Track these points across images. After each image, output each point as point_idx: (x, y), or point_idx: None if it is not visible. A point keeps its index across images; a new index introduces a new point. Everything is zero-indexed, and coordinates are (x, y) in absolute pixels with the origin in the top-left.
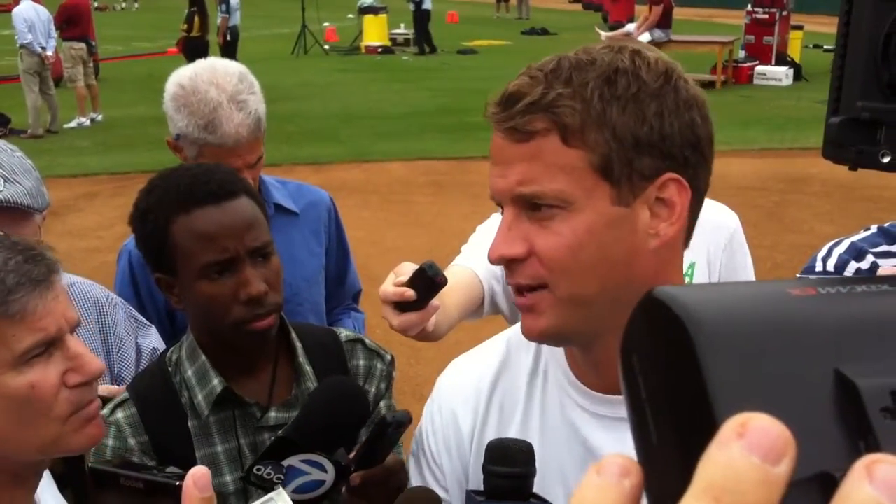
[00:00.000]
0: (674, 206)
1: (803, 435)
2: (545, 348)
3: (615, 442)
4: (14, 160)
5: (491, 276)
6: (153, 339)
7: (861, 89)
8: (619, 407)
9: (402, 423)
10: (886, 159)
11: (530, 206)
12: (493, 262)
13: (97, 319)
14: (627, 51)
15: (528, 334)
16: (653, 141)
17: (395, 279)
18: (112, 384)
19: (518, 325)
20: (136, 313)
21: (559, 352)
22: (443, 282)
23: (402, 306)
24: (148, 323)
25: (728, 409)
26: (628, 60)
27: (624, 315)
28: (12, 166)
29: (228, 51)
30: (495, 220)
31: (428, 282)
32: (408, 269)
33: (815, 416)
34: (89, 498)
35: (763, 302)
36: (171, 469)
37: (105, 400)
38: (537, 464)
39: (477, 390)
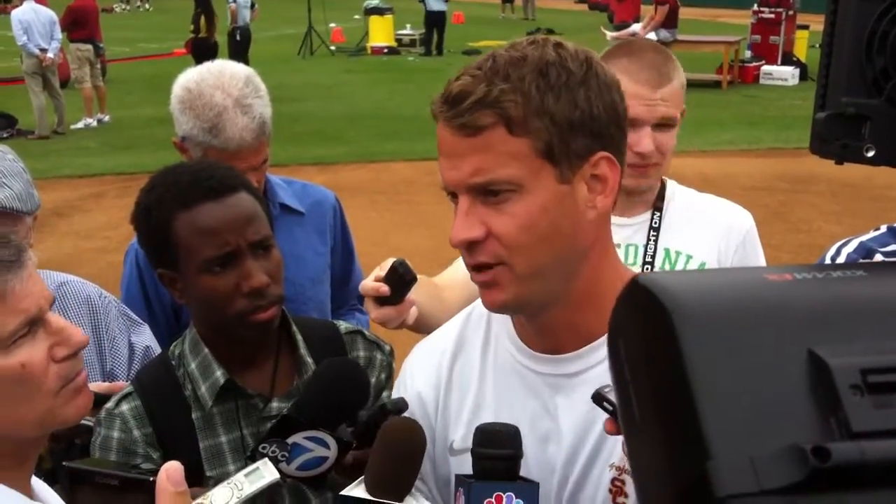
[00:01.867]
0: (606, 180)
1: (777, 411)
2: (494, 323)
3: (562, 397)
4: (4, 164)
5: None
6: (146, 338)
7: (846, 85)
8: (561, 365)
9: (401, 409)
10: (871, 153)
11: (485, 193)
12: (455, 245)
13: (89, 318)
14: (550, 44)
15: (490, 306)
16: (584, 123)
17: (376, 274)
18: (104, 381)
19: (473, 304)
20: (129, 311)
21: (507, 323)
22: (412, 280)
23: (380, 300)
24: (141, 321)
25: (705, 389)
26: (554, 53)
27: (569, 283)
28: (2, 170)
29: (239, 51)
30: None
31: (399, 279)
32: (389, 263)
33: (789, 393)
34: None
35: (741, 287)
36: (147, 465)
37: (101, 398)
38: (494, 421)
39: (438, 366)
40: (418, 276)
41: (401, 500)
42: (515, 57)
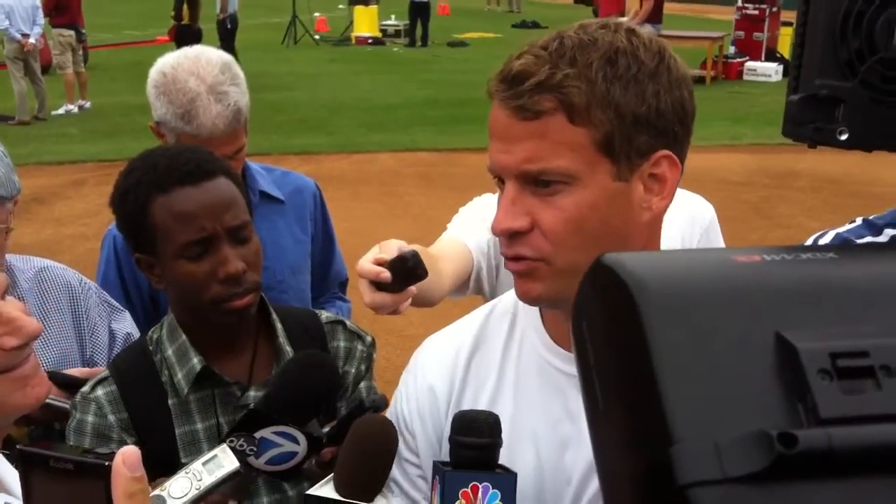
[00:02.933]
0: (665, 181)
1: (743, 396)
2: (521, 318)
3: None
4: None
5: (479, 253)
6: (127, 324)
7: (819, 67)
8: None
9: (379, 407)
10: (843, 137)
11: (534, 182)
12: (497, 234)
13: (69, 304)
14: (623, 30)
15: (524, 297)
16: (650, 119)
17: (377, 255)
18: (84, 367)
19: (497, 299)
20: (109, 298)
21: (536, 319)
22: (423, 274)
23: (377, 285)
24: (122, 308)
25: (669, 372)
26: (626, 40)
27: None
28: None
29: (227, 38)
30: (480, 202)
31: (407, 272)
32: (392, 246)
33: (756, 378)
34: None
35: (708, 268)
36: (103, 449)
37: (80, 382)
38: (510, 426)
39: (454, 363)
40: (416, 245)
41: (370, 501)
42: (584, 40)
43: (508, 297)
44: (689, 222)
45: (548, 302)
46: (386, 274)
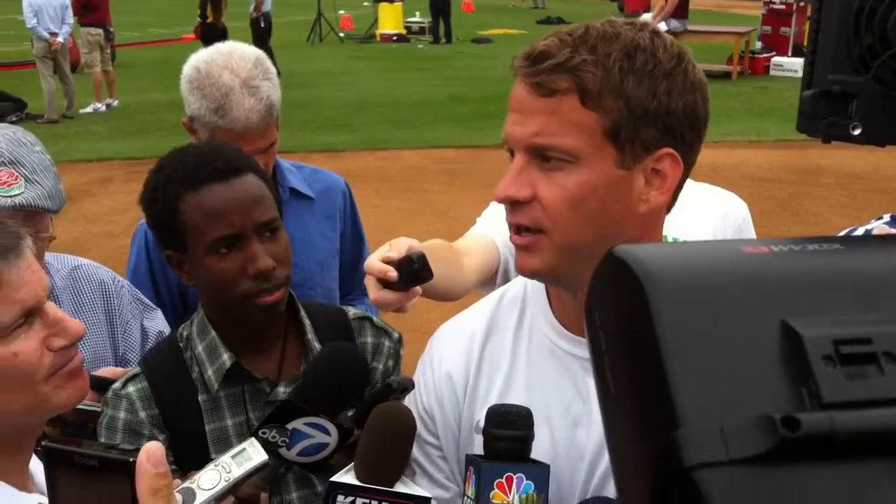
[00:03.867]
0: (666, 177)
1: (748, 382)
2: (530, 304)
3: None
4: (35, 157)
5: (506, 248)
6: (159, 322)
7: (832, 63)
8: None
9: (407, 388)
10: (857, 132)
11: (541, 156)
12: (499, 200)
13: (103, 302)
14: (648, 30)
15: (522, 270)
16: (659, 115)
17: (385, 254)
18: (117, 367)
19: (506, 287)
20: (141, 296)
21: (544, 304)
22: (427, 277)
23: (383, 282)
24: (154, 306)
25: (677, 358)
26: (648, 39)
27: None
28: (33, 165)
29: (262, 37)
30: None
31: (412, 272)
32: (403, 243)
33: (762, 364)
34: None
35: (717, 259)
36: (127, 445)
37: (111, 382)
38: (523, 405)
39: (469, 347)
40: (439, 240)
41: (391, 486)
42: (609, 32)
43: (517, 285)
44: (721, 220)
45: (546, 276)
46: (393, 273)
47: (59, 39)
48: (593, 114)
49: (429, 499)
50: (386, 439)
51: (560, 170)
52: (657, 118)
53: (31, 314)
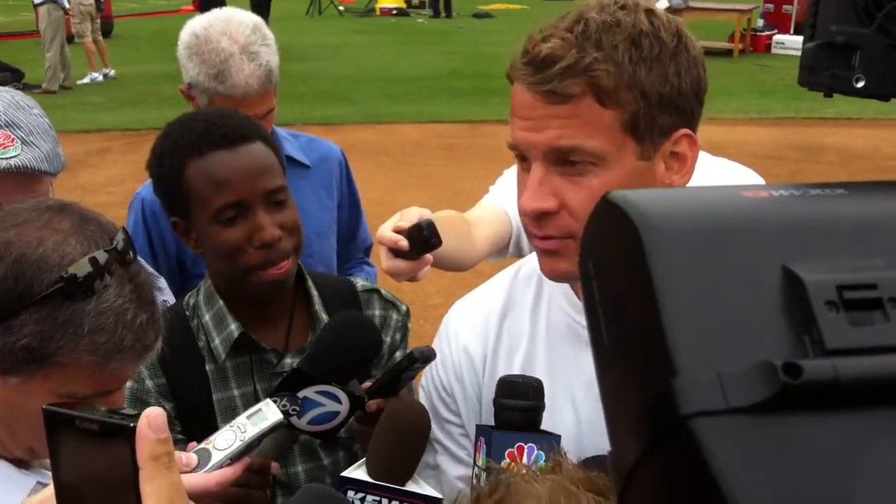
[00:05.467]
0: (685, 159)
1: (748, 328)
2: (547, 282)
3: None
4: (32, 119)
5: (518, 218)
6: (164, 291)
7: (836, 13)
8: None
9: (429, 358)
10: (860, 84)
11: (562, 162)
12: (526, 214)
13: None
14: (642, 10)
15: (551, 275)
16: (672, 98)
17: (397, 223)
18: None
19: (519, 263)
20: (145, 264)
21: (563, 284)
22: (437, 244)
23: (395, 252)
24: (157, 274)
25: (673, 304)
26: (647, 22)
27: None
28: (31, 127)
29: (260, 9)
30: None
31: (422, 240)
32: (414, 213)
33: (762, 310)
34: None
35: (715, 203)
36: (128, 410)
37: None
38: (548, 388)
39: (486, 324)
40: (450, 211)
41: (402, 484)
42: (608, 22)
43: (532, 261)
44: None
45: (574, 279)
46: (404, 242)
47: (68, 6)
48: (611, 111)
49: (440, 499)
50: (401, 437)
51: (586, 173)
52: (671, 102)
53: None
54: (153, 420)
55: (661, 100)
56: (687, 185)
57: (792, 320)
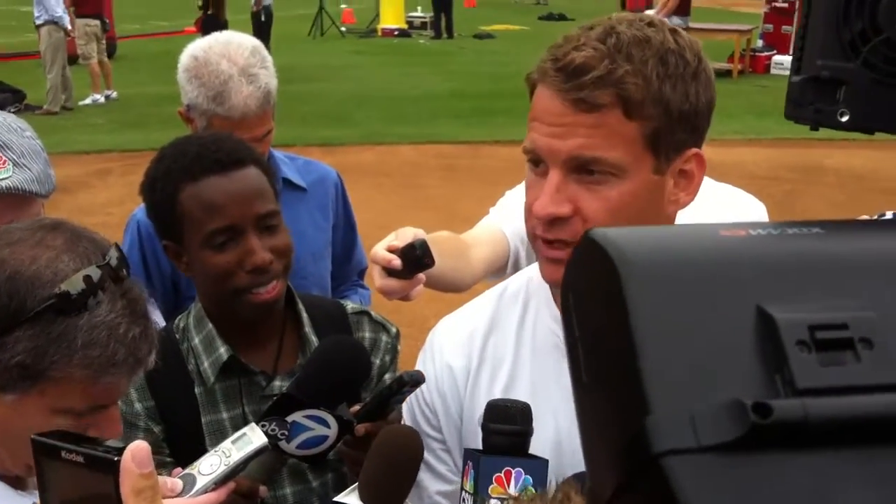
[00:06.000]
0: (693, 178)
1: (721, 367)
2: (532, 302)
3: None
4: (24, 141)
5: (517, 239)
6: (155, 316)
7: (821, 48)
8: None
9: (418, 381)
10: (845, 118)
11: (582, 170)
12: (539, 218)
13: None
14: (667, 28)
15: (553, 282)
16: (689, 117)
17: (391, 243)
18: None
19: (506, 282)
20: (139, 281)
21: (548, 298)
22: (429, 263)
23: (388, 271)
24: (150, 298)
25: (648, 342)
26: (673, 40)
27: None
28: (22, 149)
29: (262, 31)
30: (523, 188)
31: (415, 259)
32: (408, 233)
33: (736, 349)
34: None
35: (692, 241)
36: (113, 443)
37: None
38: (530, 403)
39: (470, 342)
40: (447, 232)
41: None
42: (638, 37)
43: (519, 279)
44: (739, 220)
45: None
46: (397, 261)
47: (69, 27)
48: (636, 124)
49: None
50: (393, 465)
51: (603, 183)
52: (688, 120)
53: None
54: (137, 454)
55: (681, 117)
56: (689, 205)
57: (764, 359)
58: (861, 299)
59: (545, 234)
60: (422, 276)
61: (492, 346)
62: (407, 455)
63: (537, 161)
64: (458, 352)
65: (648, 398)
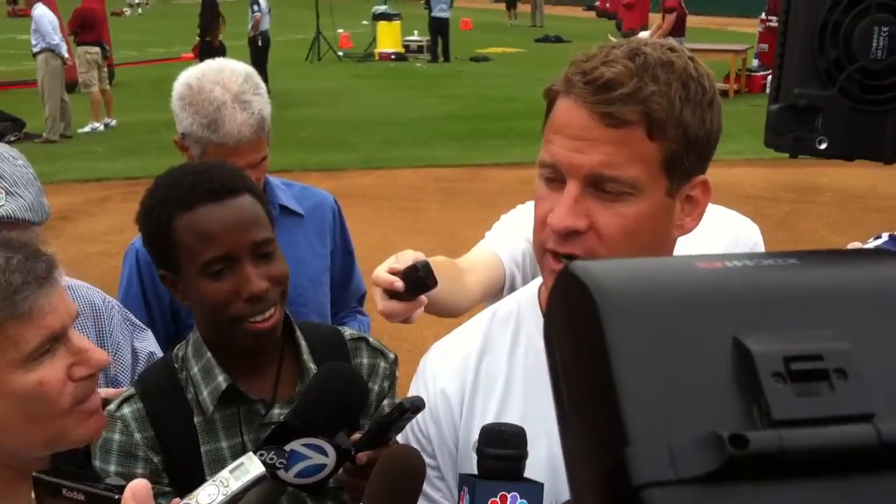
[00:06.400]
0: (698, 204)
1: (698, 399)
2: (524, 324)
3: None
4: (16, 171)
5: (512, 263)
6: (149, 343)
7: (798, 76)
8: None
9: (419, 408)
10: (823, 146)
11: (599, 186)
12: (556, 230)
13: (93, 322)
14: (686, 55)
15: None
16: (702, 143)
17: (392, 265)
18: (108, 387)
19: (496, 306)
20: (132, 316)
21: (540, 320)
22: (432, 284)
23: (390, 293)
24: (144, 326)
25: (627, 375)
26: (693, 67)
27: None
28: (14, 178)
29: (259, 57)
30: (519, 213)
31: (417, 281)
32: (409, 256)
33: (712, 381)
34: None
35: (670, 274)
36: (114, 480)
37: (104, 402)
38: (523, 425)
39: (463, 366)
40: (442, 257)
41: None
42: (663, 59)
43: (509, 302)
44: (732, 243)
45: None
46: (399, 283)
47: (67, 56)
48: (656, 145)
49: None
50: (397, 483)
51: (620, 200)
52: (700, 146)
53: (56, 340)
54: (137, 492)
55: (696, 143)
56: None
57: (741, 391)
58: (836, 329)
59: (557, 247)
60: (424, 298)
61: (484, 370)
62: (410, 473)
63: (553, 174)
64: (451, 378)
65: (627, 429)
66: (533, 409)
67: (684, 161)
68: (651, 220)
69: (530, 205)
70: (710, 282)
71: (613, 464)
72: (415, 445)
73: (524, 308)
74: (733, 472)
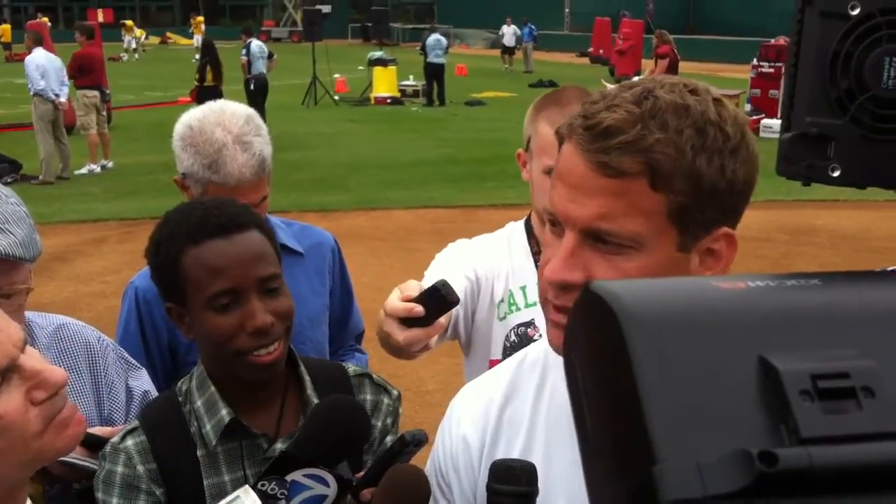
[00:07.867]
0: (721, 258)
1: (726, 417)
2: (551, 369)
3: None
4: (8, 208)
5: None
6: (144, 382)
7: (810, 105)
8: None
9: (421, 441)
10: (836, 173)
11: (598, 238)
12: (551, 283)
13: (87, 361)
14: (711, 98)
15: (558, 348)
16: (723, 194)
17: (402, 294)
18: (102, 426)
19: (526, 350)
20: (126, 355)
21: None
22: (455, 301)
23: (407, 321)
24: (139, 365)
25: (653, 394)
26: (715, 111)
27: None
28: (6, 215)
29: (256, 100)
30: (453, 250)
31: (440, 301)
32: (413, 286)
33: (739, 399)
34: None
35: (693, 295)
36: None
37: (101, 441)
38: (543, 479)
39: (486, 413)
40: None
41: None
42: (678, 104)
43: (538, 348)
44: None
45: None
46: (419, 308)
47: (62, 100)
48: (661, 196)
49: None
50: (402, 492)
51: (619, 255)
52: (721, 198)
53: (8, 372)
54: None
55: (714, 194)
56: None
57: (768, 409)
58: (861, 348)
59: (555, 299)
60: (442, 321)
61: (507, 418)
62: (414, 494)
63: (556, 221)
64: (473, 425)
65: (655, 447)
66: (555, 465)
67: (700, 213)
68: (656, 276)
69: (460, 242)
70: (735, 301)
71: (641, 482)
72: (435, 488)
73: (552, 354)
74: (762, 490)
